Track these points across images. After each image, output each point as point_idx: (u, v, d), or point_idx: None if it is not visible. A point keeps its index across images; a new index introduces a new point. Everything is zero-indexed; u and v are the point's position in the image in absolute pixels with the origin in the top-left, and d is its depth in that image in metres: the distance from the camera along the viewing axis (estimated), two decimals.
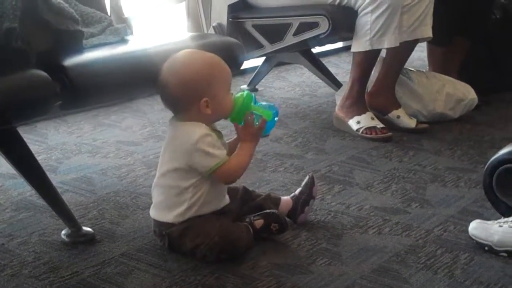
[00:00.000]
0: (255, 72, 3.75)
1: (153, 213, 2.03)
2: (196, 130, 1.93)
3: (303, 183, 2.22)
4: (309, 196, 2.19)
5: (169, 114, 3.17)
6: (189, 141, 1.92)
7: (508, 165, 2.10)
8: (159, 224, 2.00)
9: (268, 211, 2.08)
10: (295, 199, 2.18)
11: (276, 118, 2.04)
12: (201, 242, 1.93)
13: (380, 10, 2.91)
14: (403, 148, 2.90)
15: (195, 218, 1.96)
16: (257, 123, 2.00)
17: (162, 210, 2.00)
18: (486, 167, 2.15)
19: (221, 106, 1.96)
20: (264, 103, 2.05)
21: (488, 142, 2.99)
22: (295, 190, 2.21)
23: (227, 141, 2.05)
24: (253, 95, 2.02)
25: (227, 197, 2.06)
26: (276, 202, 2.17)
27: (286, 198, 2.19)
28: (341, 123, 3.11)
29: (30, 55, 1.86)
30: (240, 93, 2.00)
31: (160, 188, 2.01)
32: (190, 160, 1.92)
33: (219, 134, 2.00)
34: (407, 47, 3.07)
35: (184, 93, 1.93)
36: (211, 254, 1.93)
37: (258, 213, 2.07)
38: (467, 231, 2.07)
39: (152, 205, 2.04)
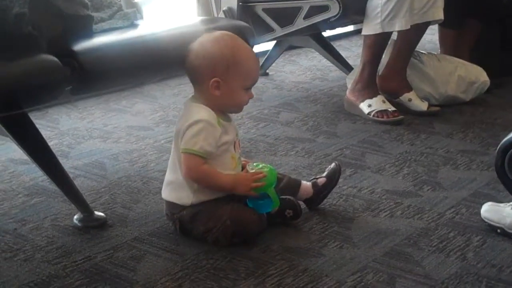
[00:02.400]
0: (266, 56, 3.74)
1: (165, 194, 2.02)
2: (200, 112, 1.92)
3: (329, 171, 2.18)
4: (331, 189, 2.17)
5: (180, 99, 3.19)
6: (188, 120, 1.91)
7: None
8: (171, 207, 2.00)
9: (283, 197, 2.06)
10: (317, 191, 2.15)
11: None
12: (213, 226, 1.93)
13: None
14: (415, 131, 2.89)
15: (206, 202, 1.97)
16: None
17: (173, 190, 1.99)
18: (498, 148, 2.13)
19: (232, 96, 1.93)
20: None
21: (500, 125, 2.98)
22: (318, 176, 2.19)
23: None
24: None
25: None
26: (296, 186, 2.14)
27: (307, 185, 2.15)
28: (352, 107, 3.10)
29: (40, 40, 1.86)
30: (269, 168, 1.97)
31: (171, 167, 2.00)
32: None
33: (226, 118, 1.98)
34: (418, 30, 3.05)
35: (200, 65, 1.92)
36: (223, 237, 1.93)
37: None
38: (479, 214, 2.06)
39: (164, 185, 2.03)
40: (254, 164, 1.99)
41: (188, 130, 1.91)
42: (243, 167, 2.03)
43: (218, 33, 1.99)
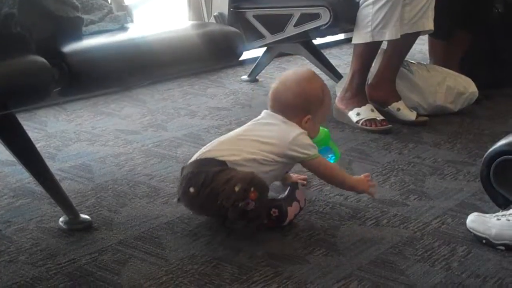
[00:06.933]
0: (256, 63, 3.75)
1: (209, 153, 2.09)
2: (296, 129, 2.13)
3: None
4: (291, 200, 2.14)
5: (169, 103, 3.18)
6: (288, 135, 2.10)
7: (506, 156, 2.09)
8: (207, 163, 2.04)
9: (270, 198, 2.09)
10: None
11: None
12: (234, 175, 1.98)
13: (382, 2, 2.90)
14: (403, 141, 2.90)
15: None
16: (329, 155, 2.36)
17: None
18: (483, 158, 2.15)
19: (314, 128, 2.20)
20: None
21: (487, 136, 2.99)
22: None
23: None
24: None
25: None
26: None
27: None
28: (341, 115, 3.10)
29: (29, 41, 1.85)
30: (323, 128, 2.32)
31: (233, 147, 2.11)
32: (284, 152, 2.09)
33: None
34: (408, 40, 3.06)
35: (298, 104, 2.15)
36: (241, 185, 1.95)
37: None
38: (465, 224, 2.07)
39: (208, 149, 2.11)
40: None
41: (296, 143, 2.10)
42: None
43: (308, 72, 2.25)
